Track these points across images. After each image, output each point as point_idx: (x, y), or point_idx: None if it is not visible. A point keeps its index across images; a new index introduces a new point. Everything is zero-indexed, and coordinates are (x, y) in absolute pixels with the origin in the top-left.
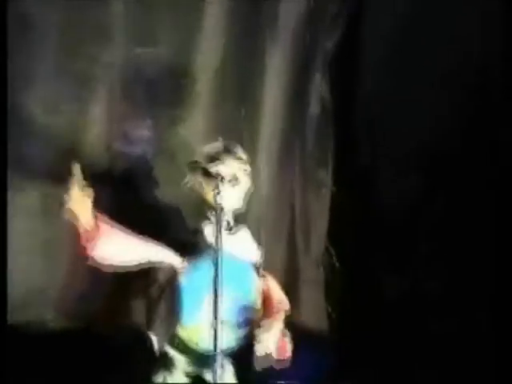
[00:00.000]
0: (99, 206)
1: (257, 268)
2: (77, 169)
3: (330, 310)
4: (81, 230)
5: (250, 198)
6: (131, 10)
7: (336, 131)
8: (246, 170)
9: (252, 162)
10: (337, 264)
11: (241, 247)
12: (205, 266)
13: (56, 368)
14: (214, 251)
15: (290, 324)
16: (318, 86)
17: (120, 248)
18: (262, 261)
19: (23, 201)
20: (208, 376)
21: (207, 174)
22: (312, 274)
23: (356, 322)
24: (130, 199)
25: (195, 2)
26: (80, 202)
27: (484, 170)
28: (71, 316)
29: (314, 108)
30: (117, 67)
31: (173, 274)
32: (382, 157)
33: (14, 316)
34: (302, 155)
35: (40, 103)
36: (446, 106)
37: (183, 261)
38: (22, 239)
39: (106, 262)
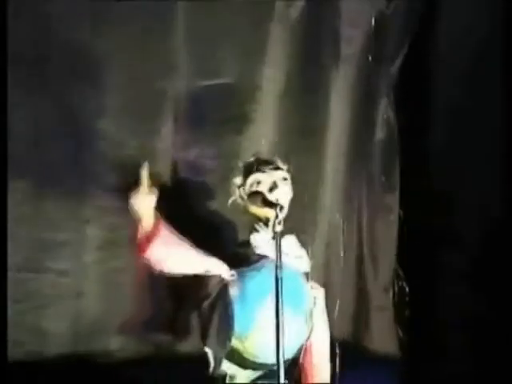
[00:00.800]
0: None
1: (306, 276)
2: (145, 169)
3: (400, 334)
4: (140, 230)
5: (319, 225)
6: (193, 42)
7: (402, 156)
8: (285, 179)
9: (317, 187)
10: (406, 288)
11: (288, 255)
12: (255, 277)
13: None
14: (275, 270)
15: (362, 348)
16: (384, 112)
17: (175, 253)
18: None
19: (91, 232)
20: None
21: (266, 202)
22: (381, 299)
23: (427, 345)
24: (184, 211)
25: (257, 31)
26: (145, 201)
27: None
28: (137, 342)
29: (380, 133)
30: (182, 100)
31: (224, 286)
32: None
33: (78, 346)
34: (368, 181)
35: (108, 138)
36: None
37: (233, 272)
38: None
39: (160, 265)
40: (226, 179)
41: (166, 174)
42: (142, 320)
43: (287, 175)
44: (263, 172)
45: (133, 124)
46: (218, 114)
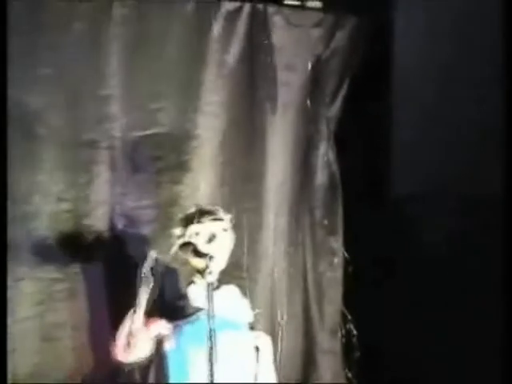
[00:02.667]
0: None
1: (251, 327)
2: (152, 257)
3: (349, 375)
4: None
5: (262, 271)
6: (128, 91)
7: (344, 199)
8: (226, 230)
9: (260, 233)
10: (354, 330)
11: (228, 306)
12: (190, 330)
13: None
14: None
15: None
16: (324, 155)
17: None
18: (253, 319)
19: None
20: None
21: (197, 253)
22: (329, 343)
23: None
24: (123, 264)
25: (192, 79)
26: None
27: None
28: None
29: (321, 176)
30: (117, 150)
31: (159, 341)
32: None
33: None
34: (311, 224)
35: (42, 191)
36: None
37: (170, 326)
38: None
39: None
40: (166, 229)
41: (103, 227)
42: (80, 376)
43: (228, 226)
44: (202, 223)
45: (68, 176)
46: (155, 163)
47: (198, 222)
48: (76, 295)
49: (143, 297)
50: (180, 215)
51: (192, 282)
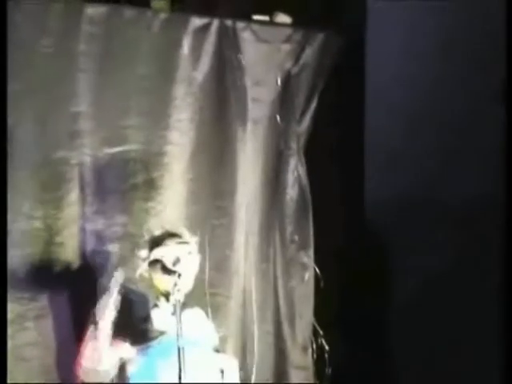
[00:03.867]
0: None
1: (216, 350)
2: (119, 275)
3: None
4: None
5: (234, 288)
6: (97, 109)
7: (315, 214)
8: (190, 253)
9: (230, 251)
10: (326, 346)
11: (192, 328)
12: (153, 354)
13: None
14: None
15: None
16: (294, 171)
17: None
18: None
19: None
20: None
21: (166, 270)
22: (301, 359)
23: None
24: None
25: (161, 97)
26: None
27: None
28: None
29: (292, 192)
30: (87, 168)
31: (122, 365)
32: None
33: None
34: (282, 240)
35: (12, 209)
36: None
37: (133, 350)
38: None
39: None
40: (136, 247)
41: (72, 245)
42: None
43: (194, 249)
44: (167, 246)
45: (37, 194)
46: (125, 180)
47: (164, 244)
48: (47, 314)
49: (108, 313)
50: (145, 237)
51: (155, 305)
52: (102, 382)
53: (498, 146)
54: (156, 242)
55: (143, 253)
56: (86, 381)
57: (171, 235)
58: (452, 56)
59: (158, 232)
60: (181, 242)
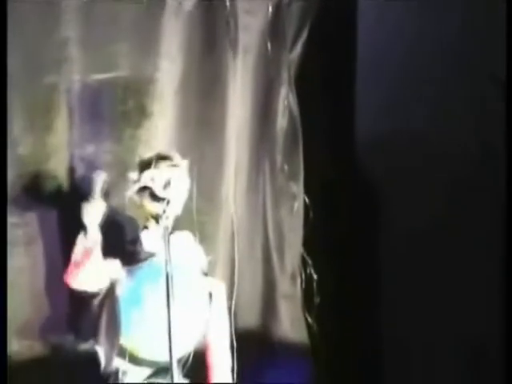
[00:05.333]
0: None
1: (204, 273)
2: (100, 177)
3: (309, 321)
4: (79, 244)
5: (223, 216)
6: (87, 35)
7: (305, 143)
8: (181, 176)
9: (220, 179)
10: (315, 275)
11: (181, 251)
12: (142, 275)
13: None
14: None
15: (270, 337)
16: (284, 99)
17: (93, 277)
18: (207, 265)
19: None
20: None
21: (154, 197)
22: (288, 288)
23: (337, 331)
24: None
25: (150, 23)
26: (94, 212)
27: None
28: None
29: (282, 121)
30: (76, 93)
31: (111, 285)
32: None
33: None
34: (271, 170)
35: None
36: None
37: (121, 271)
38: None
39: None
40: (125, 173)
41: (61, 171)
42: (38, 322)
43: (184, 172)
44: (158, 168)
45: (26, 120)
46: (114, 107)
47: (154, 167)
48: (36, 239)
49: (93, 220)
50: (136, 160)
51: (145, 227)
52: (89, 290)
53: (496, 92)
54: (146, 164)
55: (134, 175)
56: (74, 285)
57: (162, 158)
58: None
59: (148, 154)
60: (171, 165)
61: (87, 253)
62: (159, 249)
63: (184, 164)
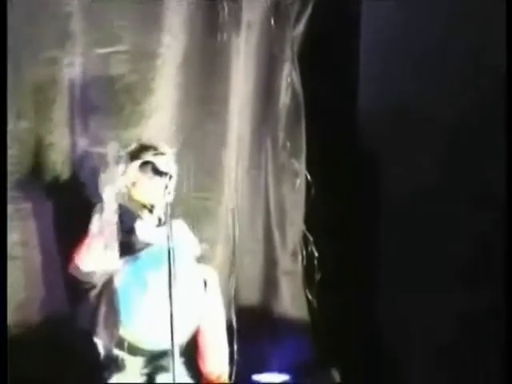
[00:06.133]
0: None
1: (198, 260)
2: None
3: (310, 297)
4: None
5: (225, 192)
6: (89, 10)
7: (308, 121)
8: (168, 164)
9: (221, 156)
10: (315, 252)
11: (176, 240)
12: (138, 265)
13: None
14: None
15: (271, 314)
16: (288, 76)
17: (97, 260)
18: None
19: None
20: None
21: (157, 171)
22: (290, 264)
23: (337, 308)
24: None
25: (155, 4)
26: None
27: None
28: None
29: (285, 98)
30: (78, 68)
31: (108, 277)
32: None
33: None
34: (274, 147)
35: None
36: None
37: (118, 261)
38: None
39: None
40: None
41: (62, 146)
42: (38, 300)
43: (171, 159)
44: (144, 159)
45: (29, 95)
46: (117, 81)
47: (140, 158)
48: (36, 215)
49: (109, 191)
50: (121, 152)
51: (139, 217)
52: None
53: (499, 63)
54: (133, 156)
55: (121, 167)
56: (81, 266)
57: (145, 147)
58: None
59: (132, 146)
60: (156, 154)
61: (102, 231)
62: (154, 238)
63: (170, 152)
